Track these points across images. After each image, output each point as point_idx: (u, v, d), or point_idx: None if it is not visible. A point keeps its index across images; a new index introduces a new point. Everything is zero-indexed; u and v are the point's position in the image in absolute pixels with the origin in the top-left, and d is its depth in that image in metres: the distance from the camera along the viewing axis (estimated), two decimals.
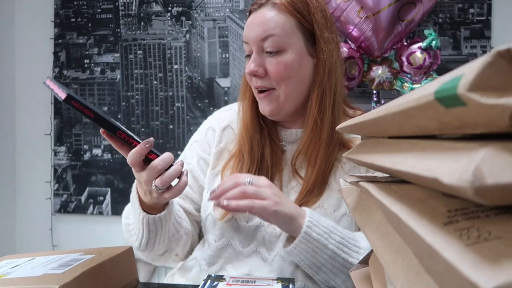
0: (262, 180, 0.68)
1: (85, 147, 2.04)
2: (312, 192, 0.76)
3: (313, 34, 0.76)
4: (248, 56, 0.78)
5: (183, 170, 0.65)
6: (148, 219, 0.70)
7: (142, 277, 1.15)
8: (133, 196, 0.72)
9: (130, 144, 0.60)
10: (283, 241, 0.73)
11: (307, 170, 0.78)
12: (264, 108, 0.78)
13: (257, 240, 0.77)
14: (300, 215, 0.67)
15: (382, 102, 1.73)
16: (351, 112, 0.85)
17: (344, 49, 1.61)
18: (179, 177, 0.65)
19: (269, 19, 0.74)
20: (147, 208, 0.71)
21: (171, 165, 0.63)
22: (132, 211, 0.75)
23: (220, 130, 0.88)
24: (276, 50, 0.74)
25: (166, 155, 0.62)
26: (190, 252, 0.86)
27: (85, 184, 2.04)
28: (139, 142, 0.60)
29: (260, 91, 0.77)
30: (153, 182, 0.63)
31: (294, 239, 0.68)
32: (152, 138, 0.60)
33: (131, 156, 0.60)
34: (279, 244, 0.75)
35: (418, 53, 1.60)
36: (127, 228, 0.79)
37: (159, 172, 0.62)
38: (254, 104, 0.82)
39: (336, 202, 0.77)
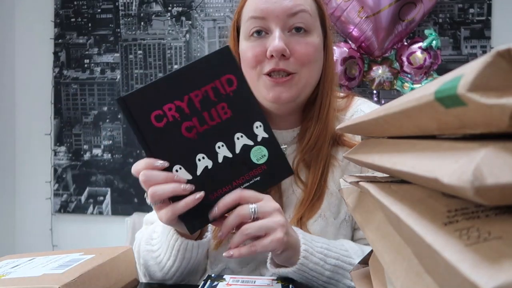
0: (268, 204, 0.55)
1: (85, 147, 2.04)
2: (313, 199, 0.71)
3: (325, 25, 0.72)
4: (258, 33, 0.67)
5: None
6: (187, 245, 0.62)
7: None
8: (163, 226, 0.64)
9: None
10: (269, 260, 0.64)
11: (307, 172, 0.73)
12: (281, 94, 0.67)
13: (257, 258, 0.73)
14: (298, 242, 0.60)
15: (382, 102, 1.73)
16: (342, 103, 0.79)
17: (345, 49, 1.61)
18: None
19: None
20: (181, 234, 0.63)
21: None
22: (161, 237, 0.66)
23: None
24: (306, 27, 0.66)
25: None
26: None
27: (85, 184, 2.04)
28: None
29: (279, 76, 0.67)
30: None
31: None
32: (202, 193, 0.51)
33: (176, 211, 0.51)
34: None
35: (419, 53, 1.60)
36: (150, 255, 0.67)
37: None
38: None
39: (336, 209, 0.73)
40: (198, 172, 0.52)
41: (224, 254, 0.54)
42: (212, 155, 0.52)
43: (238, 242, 0.53)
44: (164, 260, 0.65)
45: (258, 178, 0.54)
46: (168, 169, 0.52)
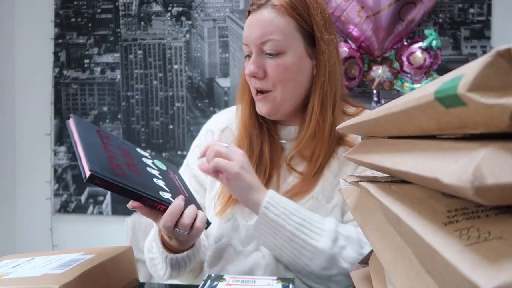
0: (238, 149, 0.71)
1: None
2: (307, 183, 0.77)
3: (313, 36, 0.76)
4: (248, 56, 0.78)
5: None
6: (172, 259, 0.72)
7: (142, 277, 1.15)
8: (155, 235, 0.74)
9: (155, 208, 0.60)
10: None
11: (305, 165, 0.79)
12: (261, 108, 0.78)
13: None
14: (261, 192, 0.69)
15: (382, 102, 1.73)
16: (352, 110, 0.84)
17: (345, 49, 1.61)
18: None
19: (268, 21, 0.73)
20: (170, 246, 0.72)
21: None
22: (155, 248, 0.75)
23: (219, 132, 0.88)
24: (276, 52, 0.74)
25: (176, 203, 0.61)
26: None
27: (85, 184, 2.04)
28: (167, 205, 0.59)
29: (258, 92, 0.78)
30: (175, 228, 0.62)
31: None
32: (181, 200, 0.62)
33: (165, 222, 0.60)
34: None
35: (419, 53, 1.60)
36: (152, 262, 0.79)
37: (177, 217, 0.61)
38: (253, 102, 0.82)
39: (329, 194, 0.77)
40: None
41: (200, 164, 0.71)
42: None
43: (209, 155, 0.69)
44: (162, 272, 0.75)
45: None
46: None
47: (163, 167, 0.73)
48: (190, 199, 0.67)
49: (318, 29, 0.75)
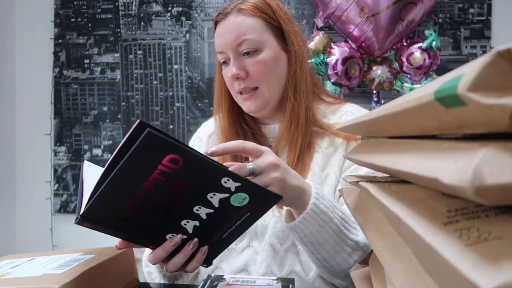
0: (265, 159, 0.57)
1: (85, 147, 2.04)
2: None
3: (281, 30, 0.80)
4: (224, 63, 0.81)
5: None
6: (170, 277, 0.73)
7: (142, 277, 1.14)
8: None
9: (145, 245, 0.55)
10: (284, 216, 0.68)
11: (288, 156, 0.80)
12: (250, 106, 0.80)
13: (249, 234, 0.78)
14: (307, 186, 0.63)
15: (382, 102, 1.73)
16: (330, 100, 0.88)
17: (346, 49, 1.62)
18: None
19: (239, 24, 0.78)
20: None
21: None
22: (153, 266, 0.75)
23: (206, 138, 0.91)
24: (253, 49, 0.77)
25: (159, 249, 0.54)
26: None
27: None
28: (153, 247, 0.54)
29: (244, 93, 0.80)
30: (163, 266, 0.59)
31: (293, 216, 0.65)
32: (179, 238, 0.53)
33: (153, 260, 0.55)
34: (268, 233, 0.76)
35: (418, 53, 1.60)
36: (149, 276, 0.80)
37: (162, 259, 0.56)
38: (231, 111, 0.85)
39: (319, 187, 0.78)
40: (190, 231, 0.54)
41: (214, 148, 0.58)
42: (195, 216, 0.53)
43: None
44: (159, 280, 0.75)
45: (248, 214, 0.55)
46: (163, 236, 0.54)
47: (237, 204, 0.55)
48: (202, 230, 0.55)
49: (284, 22, 0.80)
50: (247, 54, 0.78)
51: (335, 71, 1.60)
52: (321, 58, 1.62)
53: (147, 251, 0.80)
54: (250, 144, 0.58)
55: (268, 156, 0.57)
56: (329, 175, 0.78)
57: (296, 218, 0.63)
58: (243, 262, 0.77)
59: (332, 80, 1.63)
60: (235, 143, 0.57)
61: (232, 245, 0.77)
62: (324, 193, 0.65)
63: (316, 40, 1.63)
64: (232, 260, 0.78)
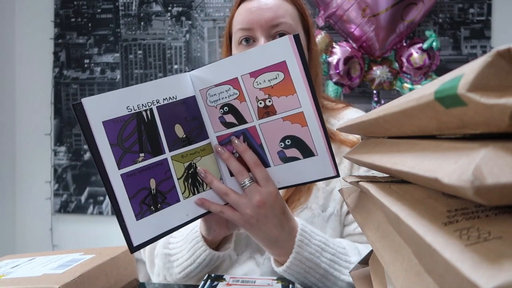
0: (259, 192, 0.56)
1: (85, 147, 2.04)
2: (299, 191, 0.75)
3: (308, 27, 0.78)
4: (246, 41, 0.75)
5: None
6: (213, 257, 0.66)
7: (142, 277, 1.14)
8: (193, 231, 0.68)
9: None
10: (272, 259, 0.66)
11: None
12: None
13: (251, 246, 0.75)
14: (289, 235, 0.60)
15: (382, 102, 1.73)
16: (327, 103, 0.85)
17: (347, 48, 1.61)
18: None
19: (278, 5, 0.73)
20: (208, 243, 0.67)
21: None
22: (185, 245, 0.69)
23: None
24: (289, 33, 0.72)
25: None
26: None
27: (85, 184, 2.04)
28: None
29: None
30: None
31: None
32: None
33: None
34: None
35: (418, 54, 1.60)
36: (167, 258, 0.72)
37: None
38: None
39: (324, 202, 0.75)
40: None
41: (195, 200, 0.56)
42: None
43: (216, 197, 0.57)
44: (179, 269, 0.69)
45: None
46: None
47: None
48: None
49: (310, 21, 0.79)
50: (281, 36, 0.72)
51: (337, 71, 1.60)
52: (323, 57, 1.62)
53: (148, 251, 0.79)
54: (233, 198, 0.56)
55: (255, 196, 0.55)
56: (334, 190, 0.76)
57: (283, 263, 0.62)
58: (244, 272, 0.75)
59: (334, 80, 1.63)
60: (223, 189, 0.56)
61: (234, 256, 0.76)
62: (313, 234, 0.62)
63: (318, 40, 1.63)
64: (233, 270, 0.76)
